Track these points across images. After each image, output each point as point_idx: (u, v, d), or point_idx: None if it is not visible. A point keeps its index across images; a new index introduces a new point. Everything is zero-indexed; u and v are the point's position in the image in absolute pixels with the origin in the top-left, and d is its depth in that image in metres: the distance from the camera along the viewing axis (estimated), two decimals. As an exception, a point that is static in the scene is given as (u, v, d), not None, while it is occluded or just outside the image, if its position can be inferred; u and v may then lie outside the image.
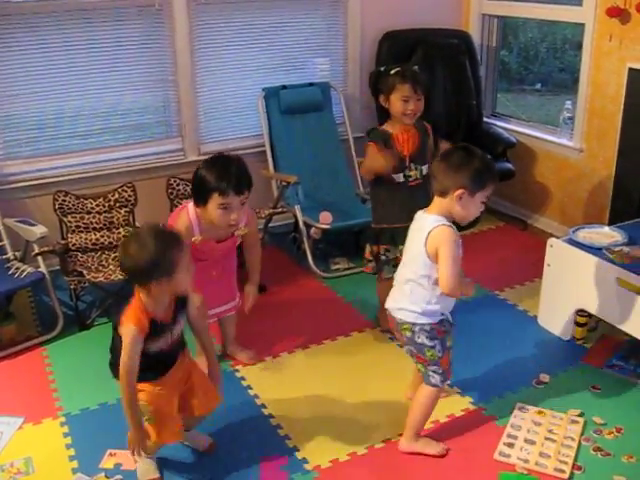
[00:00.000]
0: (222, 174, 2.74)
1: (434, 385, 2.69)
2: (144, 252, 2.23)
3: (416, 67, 3.31)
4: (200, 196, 2.80)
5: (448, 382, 2.81)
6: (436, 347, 2.64)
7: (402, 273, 2.67)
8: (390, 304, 2.72)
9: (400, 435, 2.79)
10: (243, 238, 3.07)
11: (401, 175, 3.26)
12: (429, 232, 2.52)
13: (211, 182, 2.73)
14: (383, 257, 3.38)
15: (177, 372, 2.52)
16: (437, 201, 2.56)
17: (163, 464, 2.65)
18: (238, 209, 2.78)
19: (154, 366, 2.42)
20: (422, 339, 2.63)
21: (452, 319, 2.71)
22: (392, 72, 3.21)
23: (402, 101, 3.17)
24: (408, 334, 2.66)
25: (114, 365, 2.42)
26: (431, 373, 2.68)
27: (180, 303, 2.45)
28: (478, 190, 2.51)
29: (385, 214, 3.35)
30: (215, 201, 2.74)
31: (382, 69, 3.30)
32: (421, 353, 2.66)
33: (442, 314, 2.65)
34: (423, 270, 2.55)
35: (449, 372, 2.73)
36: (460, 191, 2.49)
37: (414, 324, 2.62)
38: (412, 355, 2.71)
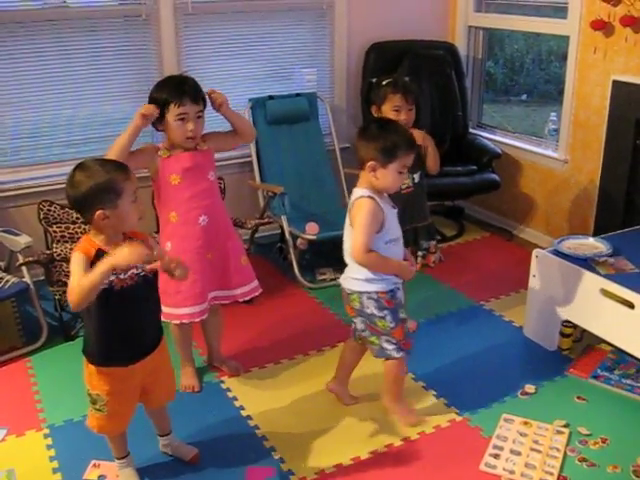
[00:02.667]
0: (177, 86, 2.82)
1: (389, 357, 2.79)
2: (90, 177, 2.20)
3: (407, 78, 3.33)
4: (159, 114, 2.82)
5: (405, 354, 2.82)
6: (387, 317, 2.72)
7: (345, 246, 2.76)
8: (341, 277, 2.82)
9: (386, 447, 2.80)
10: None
11: None
12: (351, 203, 2.68)
13: (167, 94, 2.79)
14: None
15: (148, 363, 2.44)
16: (362, 174, 2.68)
17: (146, 476, 2.64)
18: (195, 121, 2.81)
19: (116, 311, 2.31)
20: (371, 309, 2.72)
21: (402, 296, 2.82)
22: (384, 83, 3.24)
23: (394, 111, 3.20)
24: (357, 305, 2.75)
25: (85, 350, 2.42)
26: (385, 344, 2.77)
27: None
28: (388, 162, 2.59)
29: None
30: (172, 113, 2.78)
31: (374, 80, 3.31)
32: (372, 323, 2.75)
33: (394, 283, 2.73)
34: None
35: (405, 343, 2.79)
36: (371, 163, 2.60)
37: (360, 292, 2.71)
38: (364, 329, 2.78)
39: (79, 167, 2.26)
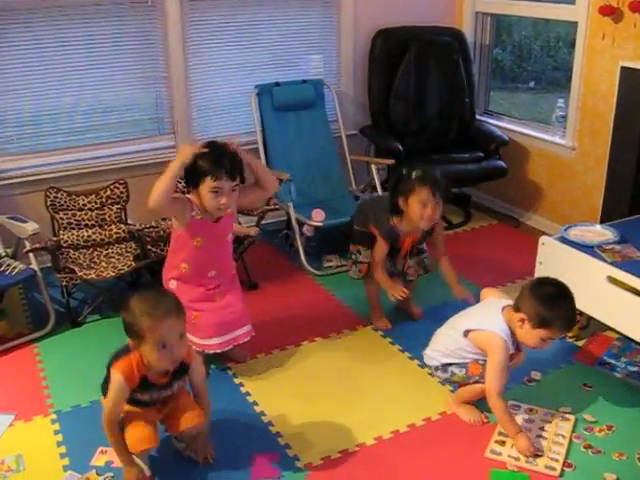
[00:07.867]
0: (216, 159, 2.80)
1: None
2: (127, 310, 2.31)
3: (438, 173, 3.24)
4: (192, 179, 2.85)
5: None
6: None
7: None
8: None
9: (391, 433, 2.81)
10: None
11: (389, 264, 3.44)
12: (485, 332, 2.73)
13: (205, 166, 2.79)
14: (353, 256, 3.49)
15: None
16: (512, 311, 2.72)
17: (153, 462, 2.64)
18: (229, 195, 2.82)
19: (135, 404, 2.48)
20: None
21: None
22: (413, 175, 3.18)
23: (420, 204, 3.15)
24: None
25: (104, 385, 2.49)
26: None
27: (180, 369, 2.47)
28: (540, 327, 2.62)
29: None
30: (207, 185, 2.80)
31: (404, 171, 3.24)
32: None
33: None
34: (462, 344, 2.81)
35: None
36: (523, 316, 2.64)
37: None
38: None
39: (136, 294, 2.36)
